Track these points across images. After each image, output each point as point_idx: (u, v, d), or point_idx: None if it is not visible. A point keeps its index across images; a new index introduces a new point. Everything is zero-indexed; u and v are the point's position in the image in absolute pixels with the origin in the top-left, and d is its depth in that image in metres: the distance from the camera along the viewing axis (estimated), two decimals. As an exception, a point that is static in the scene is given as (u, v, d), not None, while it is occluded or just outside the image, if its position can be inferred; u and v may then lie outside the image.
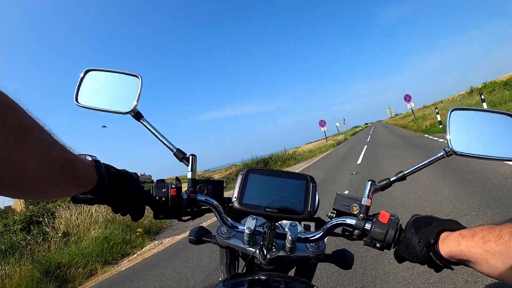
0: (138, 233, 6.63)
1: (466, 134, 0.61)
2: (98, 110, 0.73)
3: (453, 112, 0.62)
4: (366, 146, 15.56)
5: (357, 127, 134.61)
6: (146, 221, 7.23)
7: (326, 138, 29.74)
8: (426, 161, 0.63)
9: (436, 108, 13.96)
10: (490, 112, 0.62)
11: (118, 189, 0.58)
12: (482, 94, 10.93)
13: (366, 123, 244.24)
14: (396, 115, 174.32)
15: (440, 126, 12.95)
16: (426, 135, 12.96)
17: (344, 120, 48.51)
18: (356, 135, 46.21)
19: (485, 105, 9.86)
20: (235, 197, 0.62)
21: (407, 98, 22.56)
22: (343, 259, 0.75)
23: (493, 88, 16.78)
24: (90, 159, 0.53)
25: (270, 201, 0.61)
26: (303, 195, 0.62)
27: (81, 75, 0.74)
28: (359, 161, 9.92)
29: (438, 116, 13.36)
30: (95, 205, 0.62)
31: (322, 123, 26.30)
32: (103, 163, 0.55)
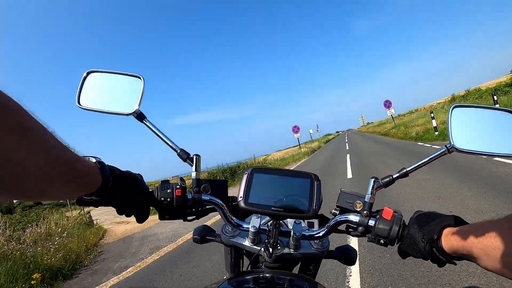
0: (33, 282, 4.35)
1: (467, 131, 0.61)
2: (101, 112, 0.73)
3: (455, 109, 0.63)
4: (348, 155, 14.02)
5: (329, 135, 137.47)
6: (57, 257, 5.19)
7: (299, 145, 28.32)
8: (428, 158, 0.63)
9: (431, 113, 12.59)
10: (491, 109, 0.62)
11: (123, 191, 0.59)
12: (495, 95, 9.79)
13: (338, 131, 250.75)
14: (368, 123, 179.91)
15: (436, 133, 11.50)
16: (420, 143, 11.62)
17: (318, 127, 47.59)
18: (329, 143, 45.56)
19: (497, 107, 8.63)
20: (240, 197, 0.62)
21: (387, 104, 21.62)
22: (347, 255, 0.75)
23: (480, 94, 16.42)
24: (94, 160, 0.53)
25: (276, 200, 0.62)
26: (308, 193, 0.62)
27: (83, 76, 0.74)
28: (349, 175, 8.12)
29: (434, 121, 11.96)
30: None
31: (296, 129, 24.98)
32: (108, 165, 0.56)
